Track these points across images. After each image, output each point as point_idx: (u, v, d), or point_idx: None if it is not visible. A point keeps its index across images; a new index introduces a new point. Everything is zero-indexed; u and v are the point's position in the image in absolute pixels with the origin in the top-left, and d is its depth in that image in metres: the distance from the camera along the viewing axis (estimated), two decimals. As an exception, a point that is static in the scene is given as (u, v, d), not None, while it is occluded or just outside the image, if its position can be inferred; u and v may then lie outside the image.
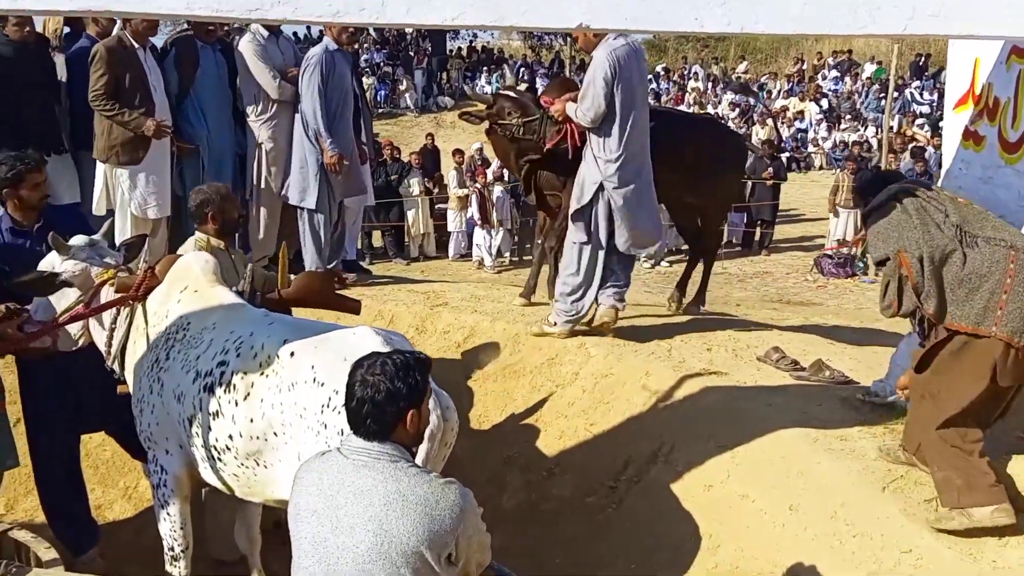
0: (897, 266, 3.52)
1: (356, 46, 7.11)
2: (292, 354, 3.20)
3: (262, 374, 3.23)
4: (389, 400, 2.31)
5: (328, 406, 3.03)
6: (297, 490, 2.36)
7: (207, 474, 3.45)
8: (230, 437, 3.28)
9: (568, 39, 14.52)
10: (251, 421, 3.22)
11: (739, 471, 4.00)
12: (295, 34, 20.22)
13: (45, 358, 4.03)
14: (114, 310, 3.77)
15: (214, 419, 3.31)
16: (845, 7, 2.64)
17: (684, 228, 6.76)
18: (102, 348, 3.87)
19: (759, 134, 19.17)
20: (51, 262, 3.83)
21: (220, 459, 3.35)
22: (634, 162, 5.18)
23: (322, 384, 3.06)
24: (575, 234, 5.33)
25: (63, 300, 3.85)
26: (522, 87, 6.16)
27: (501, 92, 5.86)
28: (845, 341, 5.77)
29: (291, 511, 2.35)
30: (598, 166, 5.15)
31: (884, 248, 3.59)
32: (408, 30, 27.84)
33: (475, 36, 31.74)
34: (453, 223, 14.04)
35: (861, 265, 12.44)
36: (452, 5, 2.48)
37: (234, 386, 3.28)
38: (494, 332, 5.76)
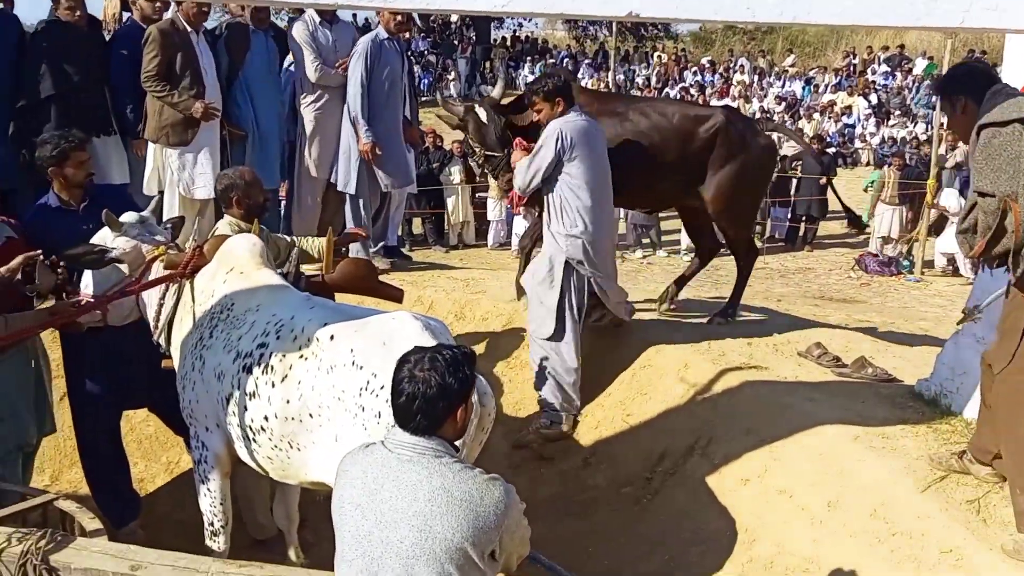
0: (1001, 210, 3.11)
1: (408, 35, 7.07)
2: (332, 337, 3.23)
3: (301, 356, 3.27)
4: (441, 395, 2.31)
5: (366, 389, 3.06)
6: (341, 483, 2.37)
7: (243, 454, 3.50)
8: (265, 418, 3.32)
9: (613, 29, 14.44)
10: (287, 402, 3.26)
11: (777, 466, 3.97)
12: (357, 22, 20.42)
13: (92, 333, 4.12)
14: (163, 286, 3.84)
15: (250, 399, 3.35)
16: (902, -3, 2.60)
17: (689, 227, 6.18)
18: (151, 323, 3.95)
19: (805, 129, 18.90)
20: (103, 238, 3.90)
21: (255, 440, 3.40)
22: (601, 243, 4.90)
23: (361, 367, 3.10)
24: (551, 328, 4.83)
25: (114, 275, 3.92)
26: (504, 101, 5.61)
27: (474, 109, 5.41)
28: (889, 339, 5.69)
29: (335, 504, 2.36)
30: (557, 241, 4.83)
31: (993, 182, 3.13)
32: (453, 18, 27.90)
33: (520, 25, 31.69)
34: (493, 212, 14.04)
35: (907, 264, 12.23)
36: (502, -9, 2.48)
37: (272, 367, 3.32)
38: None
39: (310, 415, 3.22)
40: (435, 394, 2.31)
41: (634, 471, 4.50)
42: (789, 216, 14.22)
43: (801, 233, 14.10)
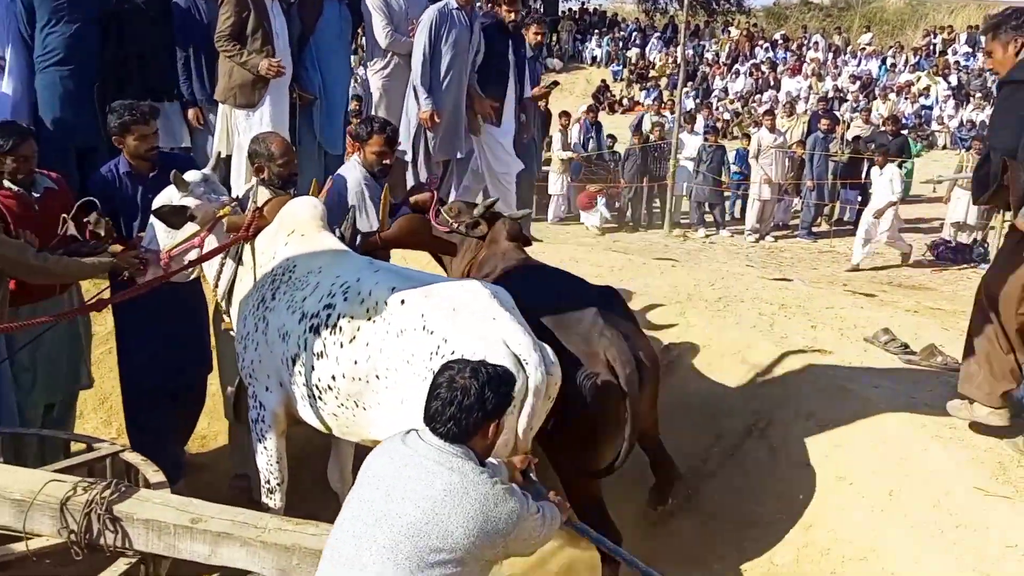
0: (1001, 165, 3.35)
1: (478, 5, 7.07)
2: (403, 302, 3.26)
3: (369, 319, 3.30)
4: (478, 406, 2.36)
5: (436, 353, 3.09)
6: (371, 458, 2.43)
7: (306, 412, 3.54)
8: (332, 377, 3.37)
9: (684, 2, 14.12)
10: (355, 363, 3.30)
11: (838, 452, 3.90)
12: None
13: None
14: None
15: (318, 359, 3.40)
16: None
17: None
18: (211, 282, 4.02)
19: (880, 109, 18.35)
20: (168, 197, 3.97)
21: (321, 398, 3.45)
22: None
23: (431, 332, 3.13)
24: None
25: (179, 234, 3.99)
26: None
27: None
28: (960, 328, 5.51)
29: (361, 474, 2.42)
30: None
31: (999, 137, 3.44)
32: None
33: (588, -2, 31.30)
34: (554, 186, 13.97)
35: (982, 252, 11.83)
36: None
37: (340, 328, 3.35)
38: (593, 295, 5.74)
39: (377, 376, 3.26)
40: (471, 403, 2.36)
41: (690, 451, 4.44)
42: (860, 199, 13.85)
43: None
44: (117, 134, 4.44)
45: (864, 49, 24.36)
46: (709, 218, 13.21)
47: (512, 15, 6.84)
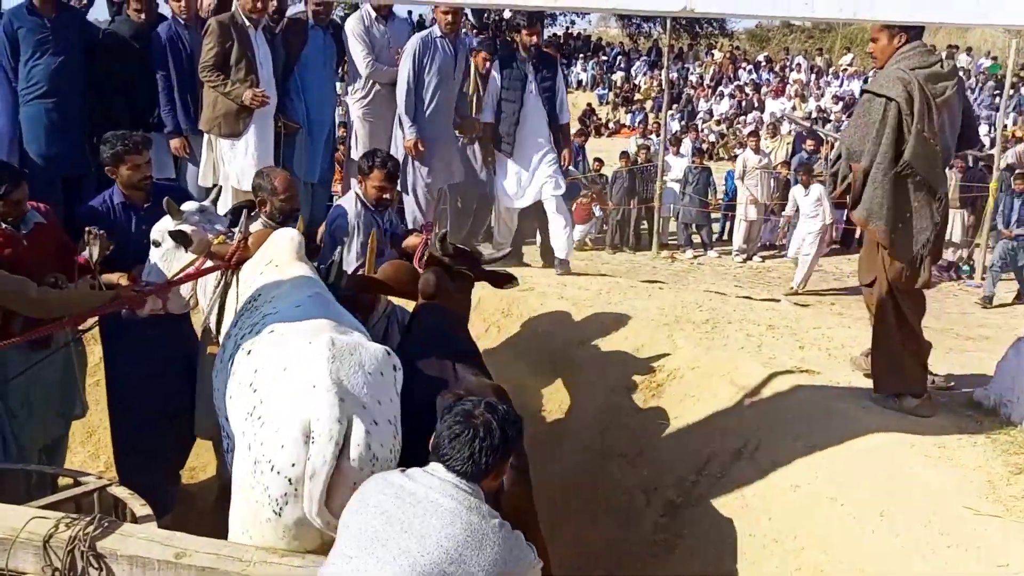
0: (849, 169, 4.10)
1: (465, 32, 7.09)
2: (249, 352, 3.13)
3: (247, 352, 3.18)
4: (500, 446, 2.37)
5: (252, 414, 2.91)
6: (369, 489, 2.37)
7: None
8: (228, 411, 3.25)
9: (668, 26, 14.25)
10: (230, 398, 3.19)
11: (828, 473, 3.88)
12: (412, 18, 20.50)
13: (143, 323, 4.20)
14: (217, 276, 3.89)
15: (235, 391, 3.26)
16: (968, -7, 2.51)
17: None
18: (203, 312, 4.01)
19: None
20: (163, 228, 3.98)
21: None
22: None
23: (255, 391, 2.97)
24: None
25: (175, 264, 3.99)
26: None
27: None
28: (947, 347, 5.55)
29: (354, 506, 2.35)
30: None
31: (849, 139, 4.13)
32: (506, 15, 27.91)
33: (572, 22, 31.59)
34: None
35: (967, 269, 11.90)
36: (557, -14, 2.45)
37: (233, 359, 3.27)
38: (579, 317, 5.75)
39: (227, 420, 3.17)
40: (495, 444, 2.36)
41: (679, 473, 4.43)
42: (845, 217, 13.93)
43: (857, 235, 13.81)
44: (110, 164, 4.44)
45: (846, 70, 24.64)
46: (696, 239, 13.26)
47: (534, 38, 6.82)
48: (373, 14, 6.50)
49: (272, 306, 3.43)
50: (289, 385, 2.87)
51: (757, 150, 13.47)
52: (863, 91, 4.10)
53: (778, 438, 4.21)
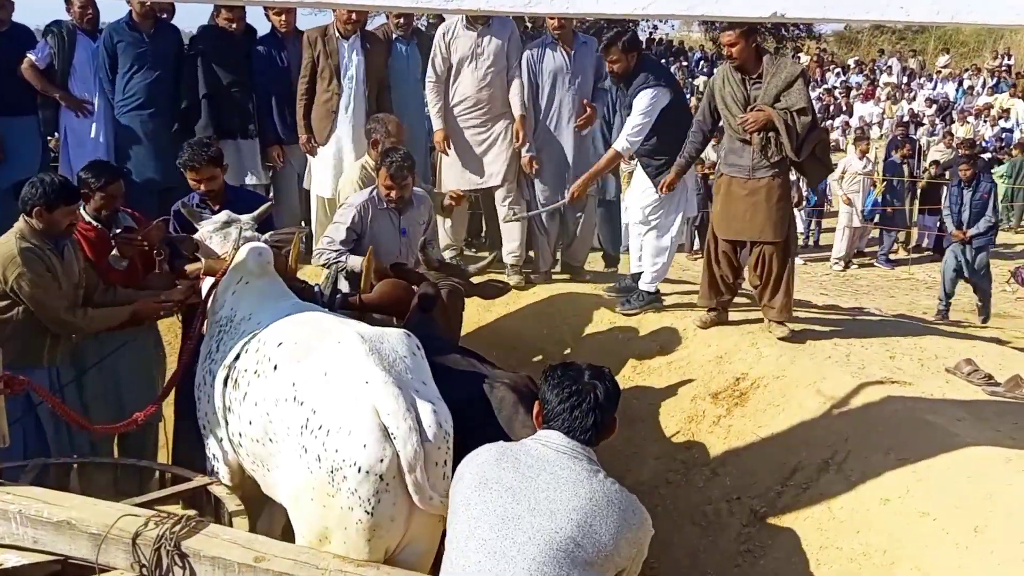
0: None
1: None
2: (276, 367, 3.13)
3: (257, 376, 3.20)
4: (610, 405, 2.44)
5: (306, 427, 2.91)
6: (480, 462, 2.39)
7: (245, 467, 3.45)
8: (240, 434, 3.30)
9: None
10: (250, 423, 3.22)
11: (920, 487, 3.78)
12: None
13: None
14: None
15: (229, 413, 3.34)
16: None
17: None
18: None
19: (957, 132, 17.90)
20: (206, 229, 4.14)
21: (239, 454, 3.39)
22: None
23: (301, 403, 2.97)
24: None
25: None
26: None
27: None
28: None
29: (471, 483, 2.37)
30: None
31: None
32: (588, 21, 27.84)
33: (655, 27, 31.36)
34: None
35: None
36: (642, -6, 2.45)
37: (238, 383, 3.28)
38: (661, 325, 5.71)
39: (270, 440, 3.13)
40: (607, 403, 2.42)
41: (764, 484, 4.37)
42: (938, 225, 13.49)
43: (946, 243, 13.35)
44: (183, 170, 4.70)
45: (940, 72, 23.85)
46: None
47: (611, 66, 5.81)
48: (460, 21, 6.27)
49: (254, 322, 3.44)
50: (339, 388, 2.91)
51: (863, 156, 13.08)
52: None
53: (867, 450, 4.11)
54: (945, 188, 10.92)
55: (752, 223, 5.16)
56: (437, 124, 6.31)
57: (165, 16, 6.49)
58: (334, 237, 4.75)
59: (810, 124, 5.04)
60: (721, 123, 5.35)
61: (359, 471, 2.79)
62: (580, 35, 6.33)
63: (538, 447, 2.37)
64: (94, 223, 4.49)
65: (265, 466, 3.23)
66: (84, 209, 4.47)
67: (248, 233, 4.05)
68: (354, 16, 6.16)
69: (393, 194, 4.69)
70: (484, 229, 7.45)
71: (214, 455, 3.59)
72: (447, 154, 6.31)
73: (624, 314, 5.82)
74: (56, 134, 6.63)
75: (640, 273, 5.92)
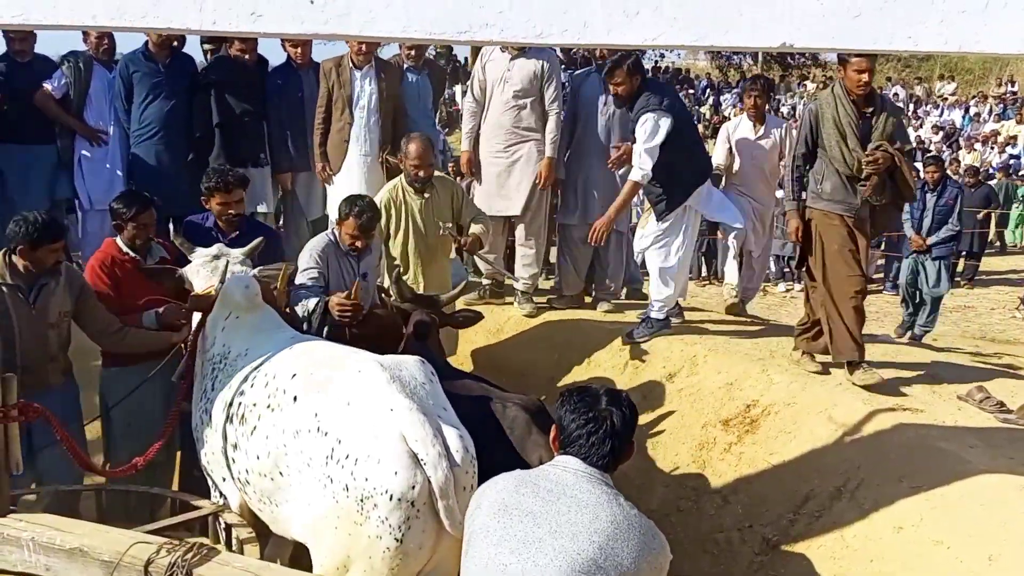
0: None
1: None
2: (295, 399, 3.10)
3: (270, 409, 3.17)
4: (629, 431, 2.42)
5: (331, 457, 2.90)
6: (500, 489, 2.38)
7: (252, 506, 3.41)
8: (247, 471, 3.26)
9: (759, 58, 14.10)
10: (258, 458, 3.18)
11: (934, 515, 3.76)
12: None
13: None
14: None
15: (235, 450, 3.30)
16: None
17: None
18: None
19: (964, 159, 17.94)
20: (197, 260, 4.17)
21: (246, 492, 3.36)
22: None
23: (325, 434, 2.94)
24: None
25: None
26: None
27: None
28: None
29: (488, 507, 2.35)
30: None
31: None
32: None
33: (662, 56, 31.57)
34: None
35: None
36: (652, 25, 2.49)
37: (245, 419, 3.25)
38: (671, 352, 5.71)
39: (281, 474, 3.10)
40: (624, 430, 2.41)
41: (776, 512, 4.35)
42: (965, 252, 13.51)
43: (960, 269, 13.34)
44: (204, 195, 4.78)
45: (946, 99, 23.94)
46: (787, 270, 13.01)
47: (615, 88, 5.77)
48: (491, 49, 6.29)
49: (252, 356, 3.40)
50: (364, 417, 2.91)
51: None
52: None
53: (880, 478, 4.10)
54: None
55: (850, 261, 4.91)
56: (465, 146, 6.43)
57: (176, 44, 6.57)
58: (305, 281, 4.64)
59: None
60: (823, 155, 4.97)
61: (390, 499, 2.79)
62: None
63: (557, 472, 2.37)
64: (131, 253, 4.53)
65: (274, 502, 3.20)
66: (119, 239, 4.54)
67: (236, 267, 4.05)
68: (363, 47, 6.24)
69: (358, 244, 4.71)
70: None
71: (220, 496, 3.57)
72: (471, 176, 6.39)
73: (633, 343, 5.82)
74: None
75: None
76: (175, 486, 4.69)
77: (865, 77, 4.73)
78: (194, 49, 6.88)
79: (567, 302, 6.64)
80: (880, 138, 4.75)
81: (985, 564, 3.44)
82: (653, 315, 5.85)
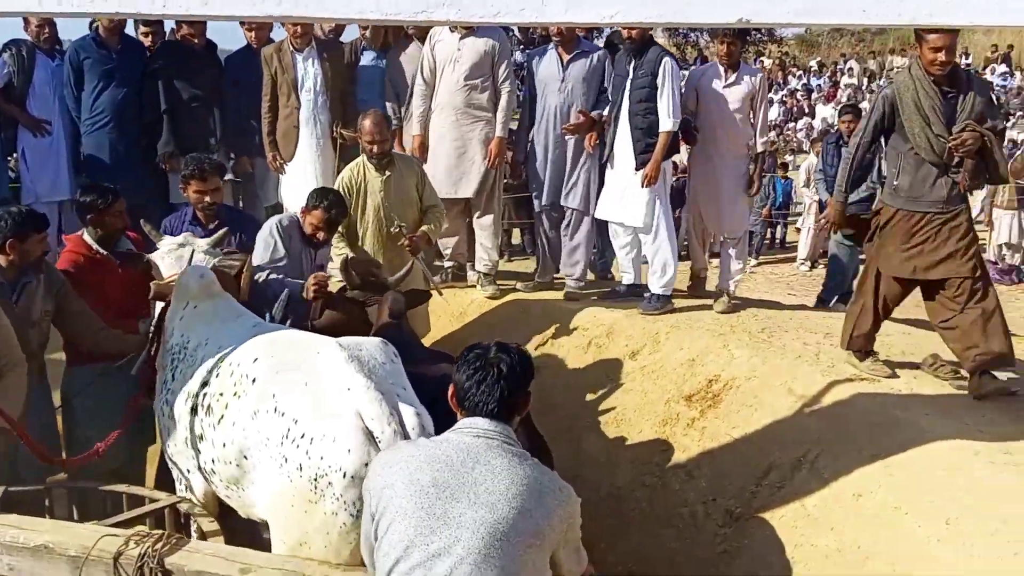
0: None
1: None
2: (254, 380, 3.12)
3: (235, 396, 3.17)
4: (526, 381, 2.47)
5: (287, 437, 2.92)
6: (414, 468, 2.36)
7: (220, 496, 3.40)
8: (213, 461, 3.25)
9: (715, 34, 14.17)
10: (224, 446, 3.18)
11: (892, 482, 3.84)
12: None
13: None
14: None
15: (201, 441, 3.29)
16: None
17: None
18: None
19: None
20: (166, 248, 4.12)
21: (212, 482, 3.34)
22: None
23: (282, 414, 2.97)
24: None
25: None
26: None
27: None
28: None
29: (404, 488, 2.33)
30: None
31: None
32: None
33: (618, 34, 31.54)
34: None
35: (1030, 271, 11.61)
36: (610, 2, 2.47)
37: (211, 408, 3.23)
38: (633, 330, 5.75)
39: (245, 457, 3.10)
40: (520, 379, 2.45)
41: (739, 484, 4.41)
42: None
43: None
44: (182, 184, 4.73)
45: (899, 73, 24.24)
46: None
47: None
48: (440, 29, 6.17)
49: (214, 346, 3.37)
50: (321, 397, 2.93)
51: (826, 156, 13.23)
52: None
53: (839, 448, 4.18)
54: (821, 147, 8.84)
55: (953, 259, 4.42)
56: (416, 129, 6.29)
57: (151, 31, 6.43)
58: (268, 262, 4.59)
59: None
60: (899, 146, 4.55)
61: (343, 476, 2.81)
62: (585, 43, 6.32)
63: (464, 439, 2.39)
64: (102, 251, 4.42)
65: (241, 486, 3.20)
66: (86, 235, 4.43)
67: (201, 256, 4.00)
68: (299, 29, 6.13)
69: (320, 236, 4.69)
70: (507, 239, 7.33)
71: (187, 488, 3.53)
72: (424, 160, 6.22)
73: (647, 314, 5.85)
74: (15, 154, 6.54)
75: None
76: (151, 482, 4.63)
77: (942, 56, 4.30)
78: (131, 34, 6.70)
79: (544, 287, 6.59)
80: (967, 119, 4.35)
81: (943, 528, 3.52)
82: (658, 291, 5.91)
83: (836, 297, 7.49)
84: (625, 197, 5.89)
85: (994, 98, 4.35)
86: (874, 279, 4.69)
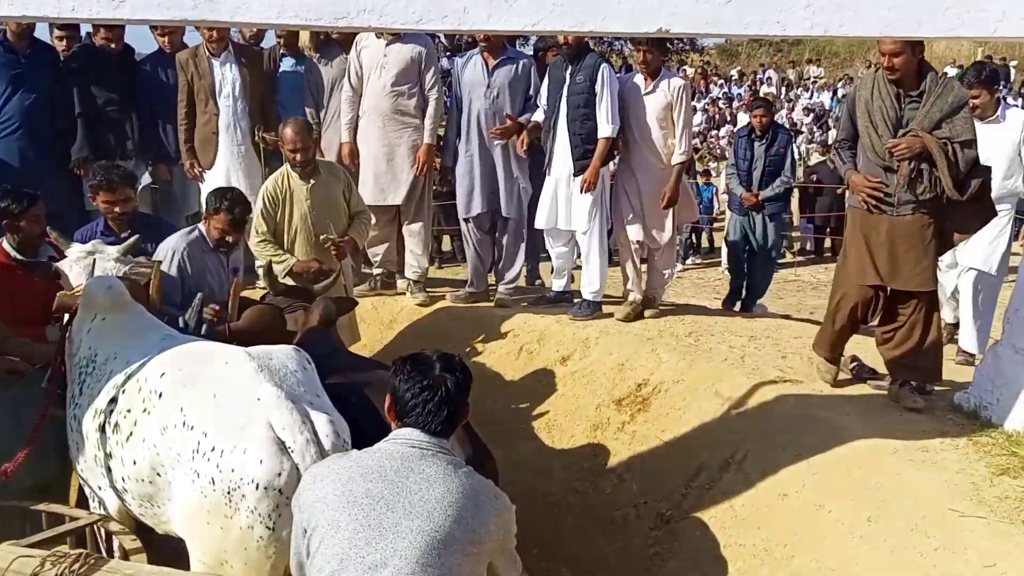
0: None
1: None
2: (161, 395, 3.05)
3: (144, 412, 3.09)
4: (463, 395, 2.44)
5: (198, 451, 2.85)
6: (346, 479, 2.31)
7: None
8: (123, 479, 3.17)
9: (635, 44, 14.38)
10: (134, 463, 3.10)
11: (815, 481, 3.93)
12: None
13: None
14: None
15: (111, 459, 3.20)
16: (935, 9, 2.58)
17: None
18: None
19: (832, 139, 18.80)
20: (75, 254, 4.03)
21: (124, 500, 3.26)
22: None
23: (191, 428, 2.90)
24: None
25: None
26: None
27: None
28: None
29: (337, 500, 2.28)
30: None
31: None
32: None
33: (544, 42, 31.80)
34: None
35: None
36: (532, 11, 2.50)
37: (119, 425, 3.14)
38: (563, 335, 5.78)
39: (158, 474, 3.03)
40: (459, 394, 2.42)
41: (670, 487, 4.47)
42: (813, 228, 14.17)
43: (828, 244, 14.00)
44: (92, 192, 4.61)
45: (816, 82, 24.99)
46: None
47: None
48: (367, 36, 6.14)
49: (123, 360, 3.27)
50: (231, 407, 2.87)
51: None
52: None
53: (765, 448, 4.26)
54: (733, 141, 8.79)
55: (894, 268, 4.34)
56: (345, 136, 6.23)
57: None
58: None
59: (974, 160, 4.23)
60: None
61: (257, 488, 2.76)
62: (511, 49, 6.33)
63: (399, 448, 2.36)
64: (18, 255, 4.21)
65: (155, 504, 3.12)
66: (4, 242, 4.23)
67: (108, 264, 3.88)
68: (215, 33, 6.02)
69: (229, 239, 4.56)
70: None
71: (100, 505, 3.41)
72: (354, 167, 6.17)
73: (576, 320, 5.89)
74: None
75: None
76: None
77: (893, 61, 4.16)
78: (44, 38, 6.49)
79: (477, 298, 6.50)
80: (921, 125, 4.21)
81: (864, 524, 3.61)
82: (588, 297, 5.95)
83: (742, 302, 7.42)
84: (565, 203, 5.90)
85: (965, 110, 4.25)
86: (842, 286, 4.63)
